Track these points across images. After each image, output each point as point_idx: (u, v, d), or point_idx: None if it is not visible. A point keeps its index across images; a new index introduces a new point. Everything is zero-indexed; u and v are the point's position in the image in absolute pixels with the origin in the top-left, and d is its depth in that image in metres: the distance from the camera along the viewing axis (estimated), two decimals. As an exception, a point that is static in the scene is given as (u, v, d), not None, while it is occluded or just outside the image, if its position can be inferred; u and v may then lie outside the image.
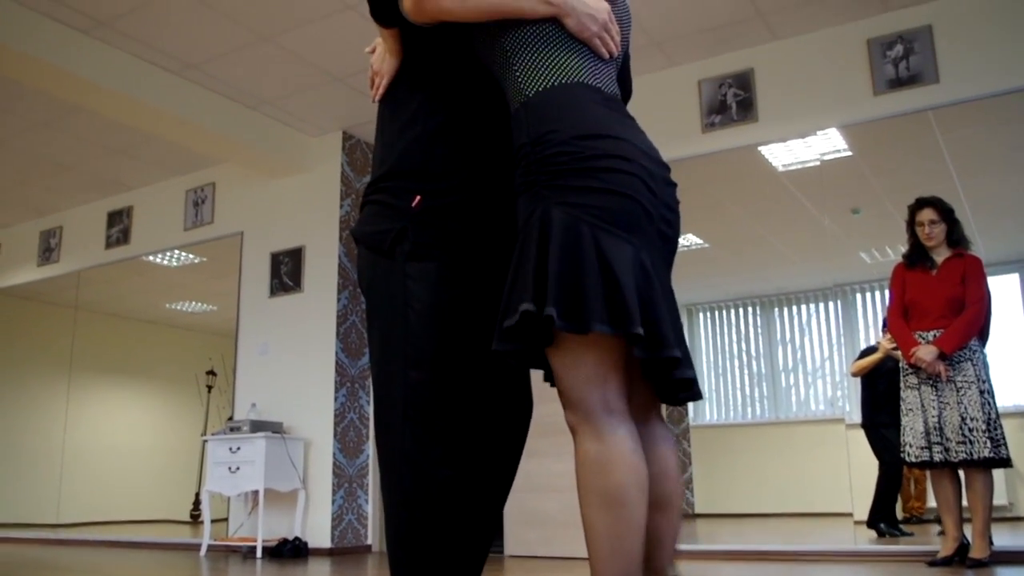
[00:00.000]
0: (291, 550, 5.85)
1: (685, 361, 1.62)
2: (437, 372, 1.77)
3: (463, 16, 1.75)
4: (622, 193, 1.60)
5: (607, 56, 1.79)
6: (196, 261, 7.72)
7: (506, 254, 1.72)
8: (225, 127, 6.17)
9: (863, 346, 6.28)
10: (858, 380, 5.81)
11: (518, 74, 1.74)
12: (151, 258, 7.78)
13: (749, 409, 6.79)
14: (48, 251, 8.43)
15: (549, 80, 1.71)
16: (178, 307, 8.68)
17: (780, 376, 6.85)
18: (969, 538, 4.22)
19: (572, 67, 1.73)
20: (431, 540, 1.75)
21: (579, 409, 1.61)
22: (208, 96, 6.06)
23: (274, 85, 5.99)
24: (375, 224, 1.85)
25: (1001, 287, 5.77)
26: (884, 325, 5.11)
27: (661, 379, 1.65)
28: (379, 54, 1.98)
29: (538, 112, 1.69)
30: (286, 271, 6.74)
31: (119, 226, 7.94)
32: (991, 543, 4.19)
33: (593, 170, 1.60)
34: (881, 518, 5.35)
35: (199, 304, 8.62)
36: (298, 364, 6.50)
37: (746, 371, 6.92)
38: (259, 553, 5.84)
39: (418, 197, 1.80)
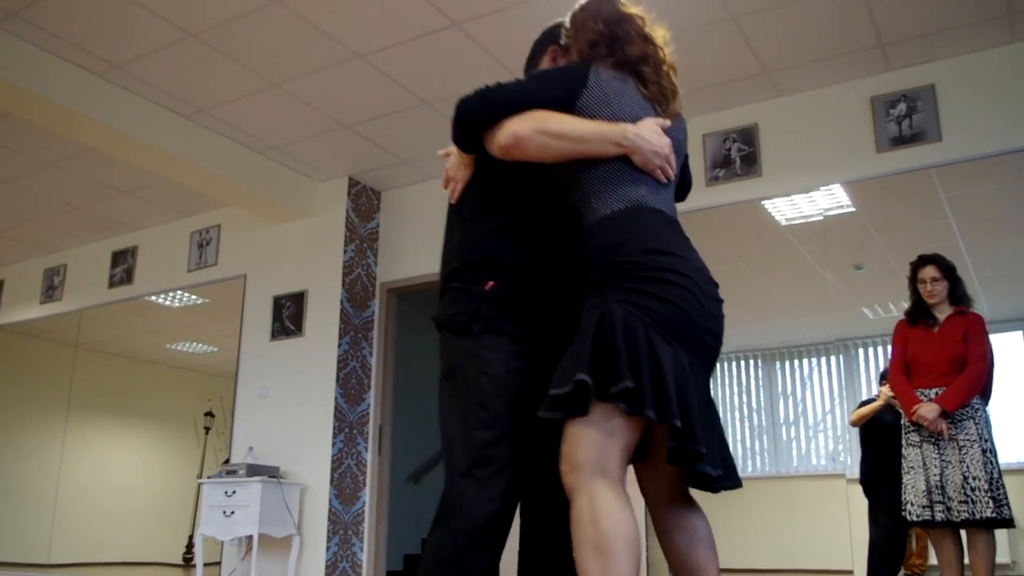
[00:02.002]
0: (284, 597, 5.78)
1: (710, 459, 1.85)
2: (504, 432, 2.02)
3: (545, 160, 2.06)
4: (673, 303, 1.88)
5: (665, 181, 2.08)
6: (198, 302, 7.73)
7: (564, 334, 2.01)
8: (232, 171, 6.21)
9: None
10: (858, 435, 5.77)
11: (593, 201, 2.04)
12: (153, 298, 7.78)
13: (749, 462, 6.74)
14: (51, 289, 8.44)
15: (620, 205, 2.00)
16: (179, 348, 8.67)
17: (781, 429, 6.81)
18: (972, 600, 4.17)
19: (640, 195, 2.02)
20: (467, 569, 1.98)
21: (579, 471, 1.84)
22: (216, 140, 6.11)
23: (282, 131, 6.05)
24: (453, 308, 2.13)
25: (1004, 345, 5.75)
26: (883, 377, 5.09)
27: (682, 467, 1.89)
28: (454, 162, 2.27)
29: (611, 227, 1.99)
30: (288, 315, 6.74)
31: (123, 266, 7.96)
32: (994, 605, 4.14)
33: (653, 279, 1.89)
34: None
35: (200, 345, 8.60)
36: (297, 408, 6.47)
37: (747, 424, 6.88)
38: (252, 599, 5.77)
39: (490, 283, 2.09)
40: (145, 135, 5.67)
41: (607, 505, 1.78)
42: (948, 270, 4.50)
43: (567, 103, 2.05)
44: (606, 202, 2.02)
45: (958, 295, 4.48)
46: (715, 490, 1.95)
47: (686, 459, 1.85)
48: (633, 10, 2.17)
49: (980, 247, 5.44)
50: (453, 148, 2.25)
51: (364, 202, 6.84)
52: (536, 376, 2.04)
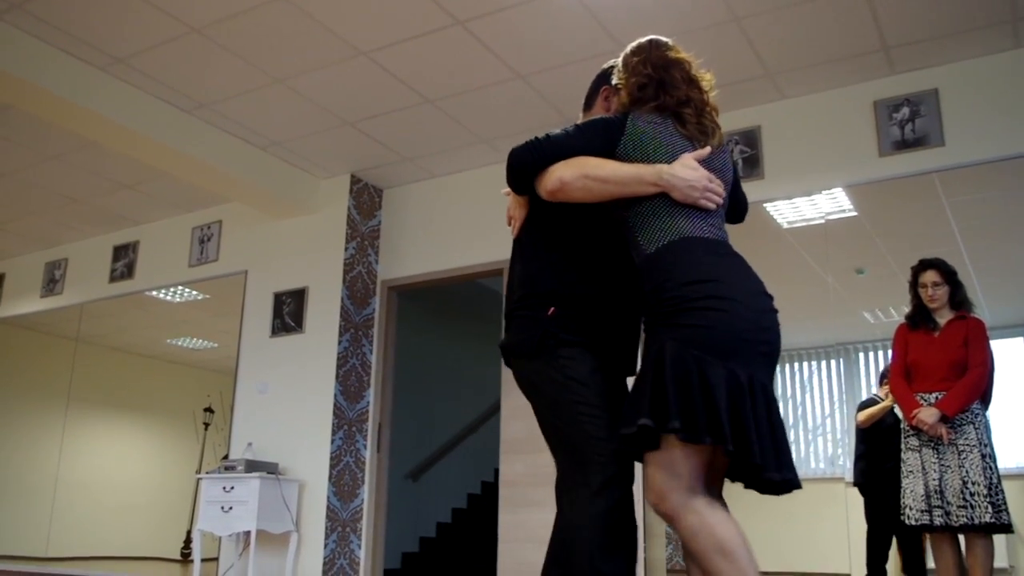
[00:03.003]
0: (281, 594, 5.78)
1: (769, 464, 2.01)
2: (610, 421, 2.19)
3: (589, 201, 2.27)
4: (717, 327, 2.05)
5: (713, 208, 2.23)
6: (199, 298, 7.73)
7: (624, 346, 2.40)
8: (234, 166, 6.21)
9: (865, 405, 6.24)
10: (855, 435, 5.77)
11: (639, 238, 2.24)
12: (154, 293, 7.78)
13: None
14: (52, 283, 8.45)
15: (664, 239, 2.19)
16: (179, 343, 8.67)
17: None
18: (969, 604, 4.17)
19: (682, 227, 2.19)
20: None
21: (669, 498, 2.05)
22: (218, 135, 6.11)
23: (284, 127, 6.05)
24: (521, 334, 2.35)
25: (1006, 350, 5.75)
26: (883, 377, 5.07)
27: (746, 476, 2.12)
28: (511, 202, 2.52)
29: (655, 265, 2.18)
30: (288, 311, 6.74)
31: (124, 260, 7.96)
32: (991, 610, 4.14)
33: (695, 310, 2.07)
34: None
35: (200, 341, 8.61)
36: (296, 405, 6.47)
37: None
38: (248, 595, 5.77)
39: (552, 308, 2.30)
40: (147, 129, 5.67)
41: (714, 516, 2.02)
42: (949, 274, 4.49)
43: (607, 151, 2.27)
44: (651, 238, 2.21)
45: (959, 299, 4.48)
46: (779, 493, 2.10)
47: (746, 473, 2.08)
48: (681, 55, 2.38)
49: (982, 253, 5.43)
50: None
51: (366, 199, 6.84)
52: (612, 381, 2.32)
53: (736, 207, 2.53)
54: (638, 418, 2.02)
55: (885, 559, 5.33)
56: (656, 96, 2.30)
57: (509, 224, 2.55)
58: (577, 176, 2.23)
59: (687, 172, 2.18)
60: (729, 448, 1.96)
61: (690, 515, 2.02)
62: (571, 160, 2.26)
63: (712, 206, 2.22)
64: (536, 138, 2.33)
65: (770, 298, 2.21)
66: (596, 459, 2.17)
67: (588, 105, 2.65)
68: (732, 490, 2.28)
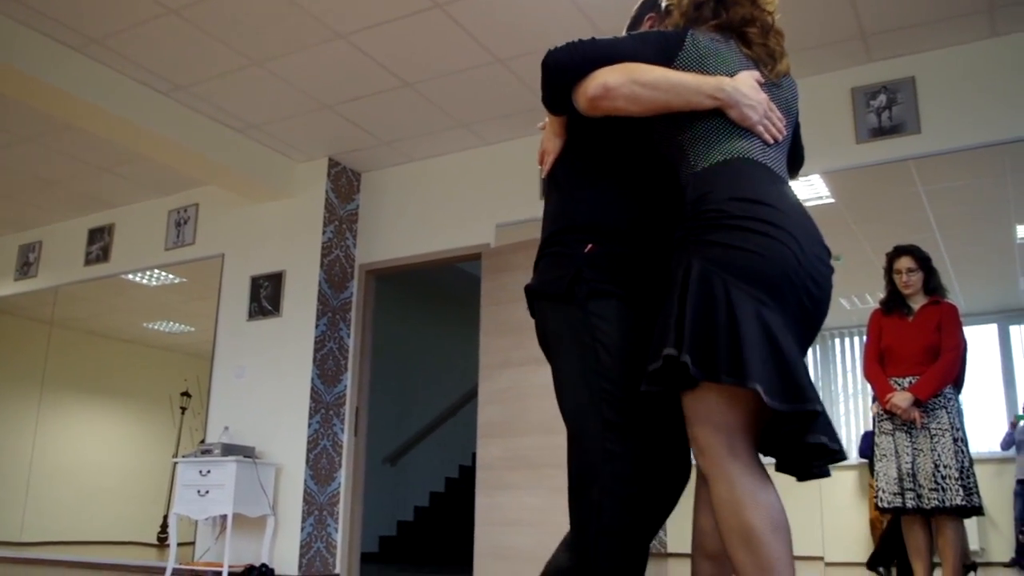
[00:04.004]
0: (258, 577, 5.78)
1: (820, 427, 1.70)
2: (629, 403, 1.89)
3: (635, 112, 1.95)
4: (762, 255, 1.73)
5: (771, 141, 1.93)
6: (175, 281, 7.68)
7: (663, 300, 1.87)
8: (211, 149, 6.17)
9: (841, 392, 6.30)
10: (839, 422, 5.82)
11: (691, 157, 1.92)
12: (130, 277, 7.73)
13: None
14: (26, 265, 8.36)
15: (719, 156, 1.89)
16: (155, 327, 8.61)
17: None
18: (939, 586, 4.23)
19: (739, 148, 1.89)
20: (623, 557, 1.87)
21: (707, 455, 1.75)
22: (195, 118, 6.06)
23: (262, 110, 6.01)
24: (551, 272, 2.04)
25: (979, 336, 5.82)
26: None
27: (792, 441, 1.76)
28: (547, 133, 2.20)
29: (703, 178, 1.87)
30: (265, 295, 6.71)
31: (99, 243, 7.90)
32: (961, 591, 4.20)
33: (739, 229, 1.75)
34: (880, 561, 5.29)
35: (177, 325, 8.55)
36: (273, 389, 6.46)
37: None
38: (225, 579, 5.77)
39: (590, 245, 1.99)
40: (123, 111, 5.62)
41: (746, 492, 1.70)
42: (923, 261, 4.53)
43: (663, 63, 1.95)
44: (704, 157, 1.91)
45: (933, 285, 4.52)
46: (822, 468, 1.85)
47: (797, 422, 1.71)
48: None
49: (957, 241, 5.48)
50: (548, 120, 2.20)
51: (344, 183, 6.81)
52: (648, 340, 1.89)
53: (795, 154, 2.18)
54: (664, 348, 1.73)
55: (894, 541, 5.36)
56: (716, 14, 2.01)
57: (540, 163, 2.24)
58: (624, 81, 1.91)
59: (751, 90, 1.91)
60: (754, 386, 1.63)
61: (720, 483, 1.73)
62: (619, 65, 1.94)
63: (768, 137, 1.93)
64: (579, 40, 2.02)
65: (829, 254, 1.88)
66: (608, 448, 1.88)
67: None
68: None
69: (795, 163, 2.20)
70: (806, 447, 1.75)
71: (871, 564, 5.29)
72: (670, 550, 6.09)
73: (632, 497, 1.88)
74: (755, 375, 1.63)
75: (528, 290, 2.11)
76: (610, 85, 1.92)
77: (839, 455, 1.77)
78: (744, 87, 1.90)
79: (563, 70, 2.01)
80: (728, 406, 1.73)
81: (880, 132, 5.08)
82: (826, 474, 1.85)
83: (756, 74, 1.96)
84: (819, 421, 1.70)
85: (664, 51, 1.96)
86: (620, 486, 1.87)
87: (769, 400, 1.64)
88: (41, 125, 6.23)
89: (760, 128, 1.91)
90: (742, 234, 1.75)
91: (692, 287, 1.73)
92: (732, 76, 1.93)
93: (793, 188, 1.96)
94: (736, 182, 1.84)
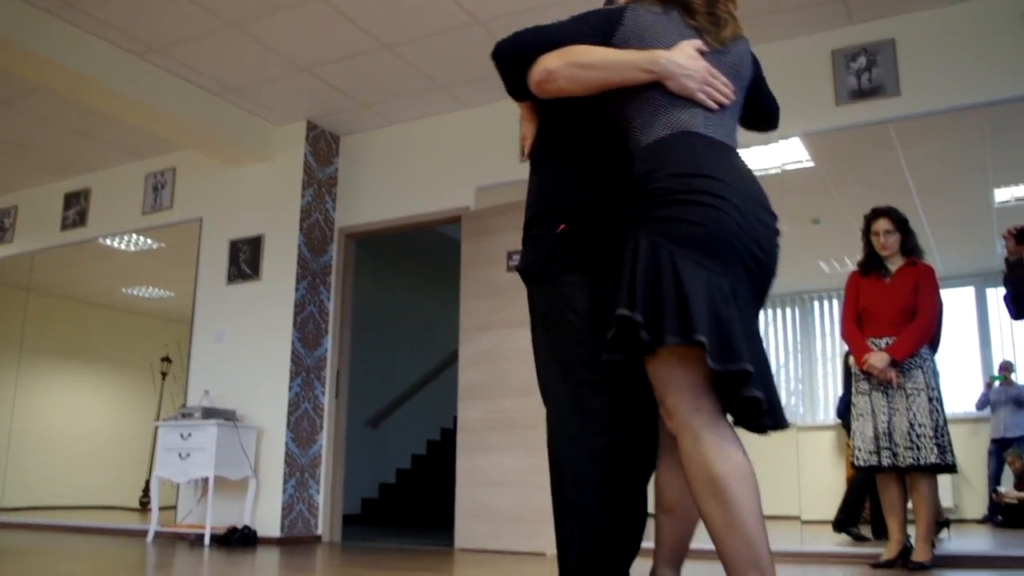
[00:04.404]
0: (240, 538, 5.80)
1: (756, 380, 1.77)
2: (599, 364, 1.99)
3: (578, 92, 2.06)
4: (705, 225, 1.82)
5: (715, 107, 1.99)
6: (154, 247, 7.64)
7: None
8: (187, 112, 6.10)
9: (819, 354, 6.36)
10: (813, 383, 5.89)
11: (638, 133, 2.02)
12: (108, 242, 7.67)
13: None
14: (2, 231, 8.28)
15: (660, 132, 1.97)
16: (134, 292, 8.57)
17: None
18: (913, 542, 4.29)
19: (681, 120, 1.97)
20: (600, 503, 1.97)
21: (673, 415, 1.85)
22: (171, 81, 5.99)
23: (239, 72, 5.94)
24: (531, 254, 2.19)
25: (956, 299, 5.88)
26: None
27: (731, 396, 1.83)
28: (522, 119, 2.34)
29: (647, 156, 1.96)
30: (245, 259, 6.68)
31: (76, 208, 7.83)
32: (934, 546, 4.26)
33: (682, 203, 1.85)
34: (848, 521, 5.37)
35: (156, 290, 8.51)
36: (253, 353, 6.45)
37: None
38: (207, 540, 5.79)
39: (563, 225, 2.13)
40: (97, 74, 5.54)
41: (712, 445, 1.78)
42: (901, 222, 4.56)
43: (603, 42, 2.05)
44: (648, 132, 2.00)
45: (910, 247, 4.55)
46: (751, 428, 1.90)
47: (731, 382, 1.79)
48: None
49: (935, 205, 5.52)
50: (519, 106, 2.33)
51: (323, 146, 6.76)
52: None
53: (761, 111, 2.30)
54: (615, 312, 1.85)
55: (863, 500, 5.45)
56: None
57: (521, 147, 2.36)
58: (563, 64, 2.03)
59: (686, 60, 1.97)
60: (700, 339, 1.72)
61: (687, 438, 1.82)
62: (560, 49, 2.06)
63: (711, 104, 1.99)
64: (523, 28, 2.16)
65: (773, 216, 1.97)
66: (585, 404, 2.02)
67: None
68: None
69: (765, 118, 2.32)
70: (745, 402, 1.82)
71: (837, 527, 5.38)
72: (651, 511, 6.16)
73: (608, 447, 1.99)
74: (700, 332, 1.73)
75: (517, 270, 2.25)
76: (551, 68, 2.04)
77: (778, 420, 1.87)
78: (679, 58, 1.96)
79: (510, 59, 2.14)
80: (686, 367, 1.82)
81: (860, 94, 5.09)
82: (763, 430, 1.91)
83: (697, 43, 2.00)
84: (753, 380, 1.76)
85: (603, 29, 2.05)
86: (596, 437, 1.98)
87: (708, 359, 1.73)
88: (13, 88, 6.13)
89: (701, 96, 1.97)
90: (685, 207, 1.85)
91: (640, 259, 1.84)
92: (671, 48, 1.98)
93: (741, 152, 2.03)
94: (677, 158, 1.92)
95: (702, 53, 2.00)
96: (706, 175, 1.87)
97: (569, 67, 2.03)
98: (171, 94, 5.98)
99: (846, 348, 5.90)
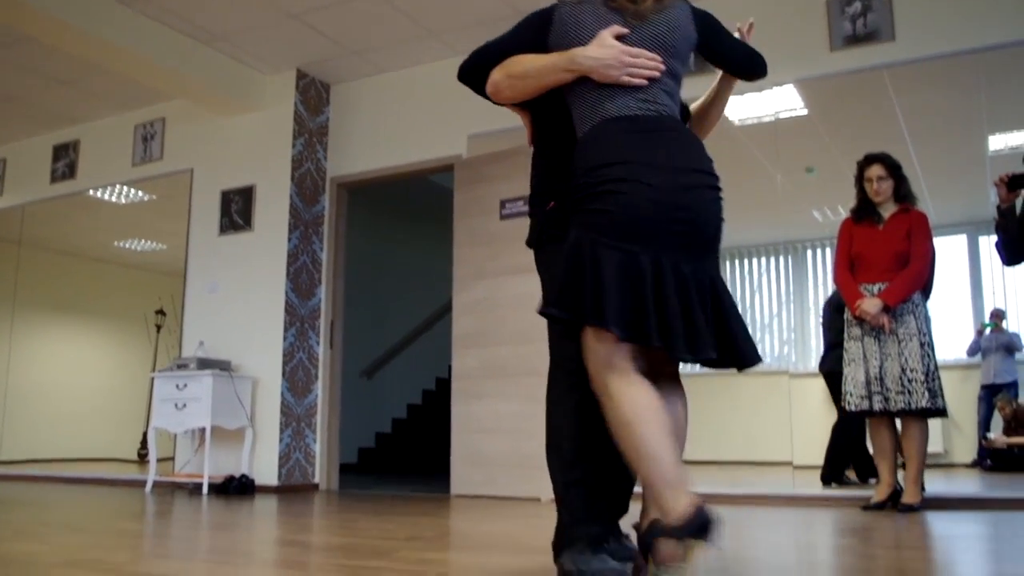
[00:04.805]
0: (237, 487, 5.85)
1: (677, 344, 1.97)
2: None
3: (522, 98, 2.30)
4: (613, 211, 2.01)
5: (645, 83, 2.12)
6: (145, 199, 7.60)
7: None
8: (176, 62, 6.03)
9: (812, 303, 6.39)
10: (805, 331, 5.92)
11: (576, 127, 2.20)
12: (98, 194, 7.62)
13: (697, 360, 6.89)
14: (-10, 184, 8.23)
15: (588, 124, 2.15)
16: (126, 246, 8.54)
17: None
18: (903, 484, 4.35)
19: (606, 109, 2.12)
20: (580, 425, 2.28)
21: (593, 378, 2.04)
22: (159, 29, 5.91)
23: (227, 20, 5.86)
24: (531, 231, 2.47)
25: (949, 248, 5.89)
26: None
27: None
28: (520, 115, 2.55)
29: (576, 151, 2.15)
30: (236, 209, 6.65)
31: (65, 160, 7.77)
32: (923, 489, 4.32)
33: (596, 195, 2.04)
34: (834, 474, 5.43)
35: (148, 243, 8.49)
36: (247, 303, 6.45)
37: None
38: (205, 489, 5.84)
39: (552, 203, 2.37)
40: (83, 23, 5.46)
41: (620, 389, 1.97)
42: (894, 168, 4.54)
43: (540, 44, 2.22)
44: (581, 126, 2.18)
45: (903, 193, 4.53)
46: (719, 366, 2.08)
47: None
48: None
49: (929, 153, 5.51)
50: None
51: (313, 95, 6.70)
52: None
53: (728, 66, 2.43)
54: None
55: (846, 454, 5.51)
56: None
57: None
58: (503, 76, 2.25)
59: (598, 51, 2.10)
60: (612, 329, 1.94)
61: (603, 394, 2.01)
62: (504, 62, 2.26)
63: (639, 81, 2.11)
64: (479, 47, 2.38)
65: (700, 173, 2.11)
66: (564, 361, 2.30)
67: None
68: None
69: (738, 69, 2.42)
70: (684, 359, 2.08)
71: (824, 480, 5.45)
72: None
73: (574, 385, 2.26)
74: (611, 319, 1.94)
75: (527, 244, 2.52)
76: (495, 81, 2.27)
77: (741, 358, 2.07)
78: (592, 51, 2.11)
79: (471, 78, 2.38)
80: (602, 341, 2.00)
81: (854, 40, 5.05)
82: (725, 366, 2.10)
83: (615, 28, 2.12)
84: (675, 344, 1.96)
85: (538, 31, 2.24)
86: (571, 377, 2.25)
87: (622, 335, 1.94)
88: (-1, 37, 6.05)
89: (626, 79, 2.10)
90: (600, 198, 2.03)
91: (567, 252, 2.06)
92: (591, 39, 2.13)
93: (669, 120, 2.13)
94: (595, 151, 2.09)
95: (622, 36, 2.12)
96: (617, 162, 2.04)
97: (507, 79, 2.24)
98: (158, 42, 5.90)
99: (826, 299, 5.95)
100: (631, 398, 1.96)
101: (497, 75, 2.26)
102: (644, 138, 2.09)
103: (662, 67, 2.13)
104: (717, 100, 2.56)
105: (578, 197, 2.09)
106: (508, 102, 2.33)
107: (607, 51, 2.10)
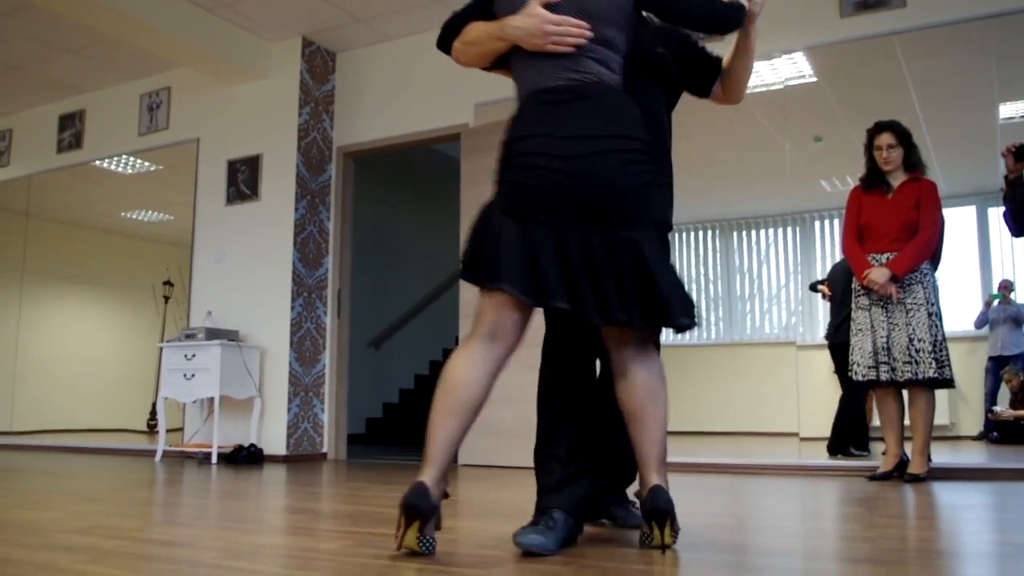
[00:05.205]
0: (246, 456, 5.89)
1: (588, 310, 2.06)
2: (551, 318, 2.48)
3: (476, 64, 2.38)
4: (518, 183, 2.12)
5: (571, 51, 2.16)
6: (151, 169, 7.58)
7: None
8: (181, 30, 6.00)
9: (820, 274, 6.36)
10: (813, 303, 5.90)
11: (516, 98, 2.28)
12: (105, 164, 7.61)
13: (705, 332, 6.89)
14: (-2, 154, 8.22)
15: (520, 97, 2.26)
16: (134, 216, 8.54)
17: (736, 300, 6.94)
18: (909, 455, 4.35)
19: (533, 80, 2.22)
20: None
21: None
22: (162, -5, 5.88)
23: (232, -14, 5.82)
24: None
25: (958, 218, 5.86)
26: None
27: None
28: None
29: (505, 127, 2.24)
30: (243, 179, 6.64)
31: (71, 130, 7.75)
32: (930, 460, 4.32)
33: (506, 169, 2.16)
34: (838, 447, 5.43)
35: (155, 213, 8.48)
36: (255, 273, 6.46)
37: (703, 294, 7.01)
38: (214, 459, 5.88)
39: None
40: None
41: (455, 358, 2.16)
42: (904, 136, 4.50)
43: (488, 12, 2.30)
44: (517, 99, 2.27)
45: (912, 162, 4.49)
46: (622, 324, 2.12)
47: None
48: None
49: (939, 122, 5.46)
50: None
51: (319, 63, 6.66)
52: None
53: (682, 15, 2.34)
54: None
55: (852, 425, 5.50)
56: None
57: None
58: (460, 43, 2.35)
59: (523, 20, 2.16)
60: (500, 287, 2.06)
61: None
62: (464, 29, 2.34)
63: (565, 49, 2.15)
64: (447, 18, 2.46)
65: (611, 139, 2.12)
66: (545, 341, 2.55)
67: None
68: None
69: (692, 24, 2.38)
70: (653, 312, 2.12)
71: (830, 451, 5.45)
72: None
73: (552, 333, 2.54)
74: (506, 278, 2.05)
75: None
76: (455, 47, 2.36)
77: (678, 322, 2.12)
78: (518, 20, 2.17)
79: (442, 43, 2.43)
80: (487, 302, 2.14)
81: (865, 6, 5.00)
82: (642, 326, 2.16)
83: None
84: (587, 310, 2.05)
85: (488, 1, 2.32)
86: (545, 358, 2.57)
87: (521, 296, 2.06)
88: (3, 7, 6.01)
89: (552, 47, 2.16)
90: (508, 172, 2.15)
91: (475, 222, 2.19)
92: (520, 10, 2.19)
93: (588, 88, 2.16)
94: (512, 126, 2.19)
95: (552, 4, 2.15)
96: (527, 135, 2.14)
97: (463, 45, 2.33)
98: (164, 10, 5.87)
99: (824, 276, 5.93)
100: (450, 366, 2.15)
101: (456, 42, 2.35)
102: (554, 109, 2.15)
103: (588, 34, 2.16)
104: (738, 54, 2.57)
105: (497, 171, 2.19)
106: (469, 67, 2.42)
107: (531, 20, 2.15)
